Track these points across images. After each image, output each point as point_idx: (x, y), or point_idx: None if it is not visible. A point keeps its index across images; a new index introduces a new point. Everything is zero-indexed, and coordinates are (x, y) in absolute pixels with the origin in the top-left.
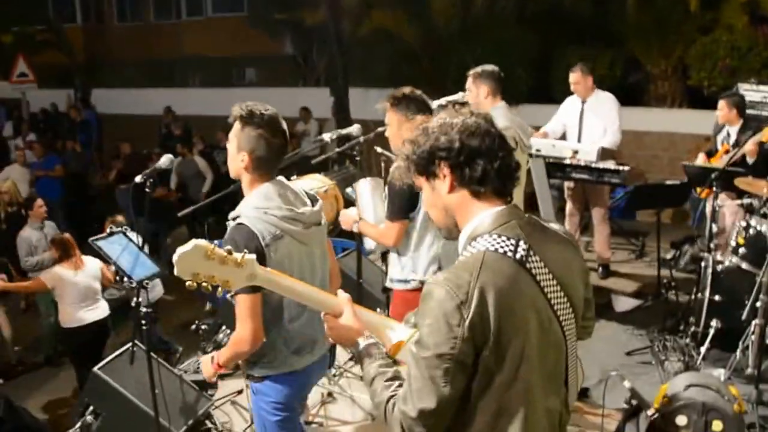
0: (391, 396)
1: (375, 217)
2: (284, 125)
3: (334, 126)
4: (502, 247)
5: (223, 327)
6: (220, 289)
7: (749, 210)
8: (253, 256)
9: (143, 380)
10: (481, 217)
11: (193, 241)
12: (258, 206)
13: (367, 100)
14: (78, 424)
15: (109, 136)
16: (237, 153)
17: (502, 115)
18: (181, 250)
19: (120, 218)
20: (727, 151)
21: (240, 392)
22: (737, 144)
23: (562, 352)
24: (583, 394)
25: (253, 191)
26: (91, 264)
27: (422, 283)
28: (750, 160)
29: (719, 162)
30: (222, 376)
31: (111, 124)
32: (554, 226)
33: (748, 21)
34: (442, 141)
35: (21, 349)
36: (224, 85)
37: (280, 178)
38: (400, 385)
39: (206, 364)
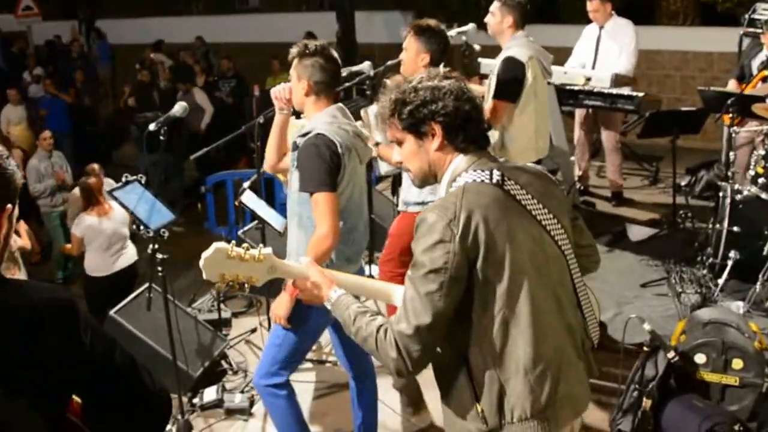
0: (380, 325)
1: (386, 142)
2: (335, 53)
3: (340, 51)
4: (479, 177)
5: None
6: (246, 286)
7: None
8: (270, 250)
9: (159, 323)
10: (456, 161)
11: (214, 245)
12: (329, 121)
13: (372, 23)
14: None
15: (116, 65)
16: (298, 83)
17: (523, 44)
18: (204, 255)
19: (95, 166)
20: (765, 78)
21: (254, 330)
22: None
23: (563, 266)
24: (600, 326)
25: (319, 114)
26: (118, 209)
27: None
28: None
29: (755, 90)
30: (236, 314)
31: (118, 54)
32: (529, 165)
33: None
34: (438, 105)
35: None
36: (227, 12)
37: (341, 104)
38: (385, 319)
39: (282, 301)
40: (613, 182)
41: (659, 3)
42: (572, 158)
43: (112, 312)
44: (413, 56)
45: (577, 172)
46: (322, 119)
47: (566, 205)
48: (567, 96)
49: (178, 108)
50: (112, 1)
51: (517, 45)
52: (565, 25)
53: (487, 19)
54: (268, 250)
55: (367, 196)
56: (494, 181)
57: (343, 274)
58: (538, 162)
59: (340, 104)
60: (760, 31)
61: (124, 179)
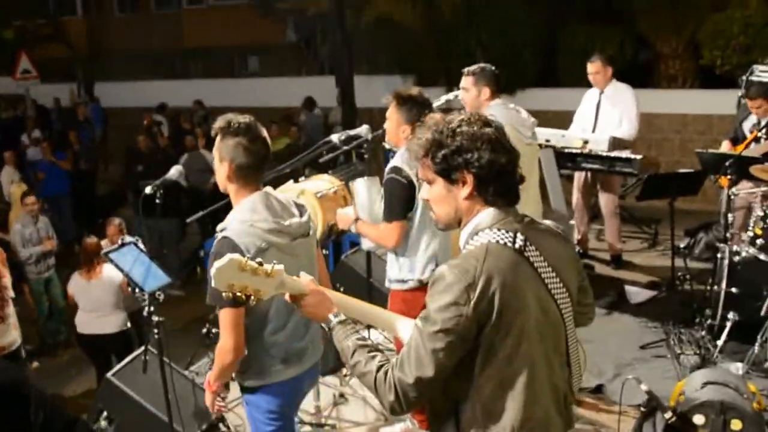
0: (381, 365)
1: (371, 217)
2: (263, 132)
3: (339, 114)
4: (502, 238)
5: None
6: (252, 298)
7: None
8: (282, 267)
9: (156, 385)
10: (483, 215)
11: (228, 255)
12: (244, 219)
13: (371, 87)
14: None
15: (113, 129)
16: (220, 164)
17: (497, 113)
18: (218, 264)
19: (118, 220)
20: (756, 139)
21: None
22: None
23: (561, 332)
24: (598, 390)
25: (240, 203)
26: (111, 275)
27: (420, 282)
28: None
29: (747, 152)
30: (233, 378)
31: (114, 117)
32: (546, 222)
33: None
34: (474, 156)
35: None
36: (227, 76)
37: (267, 188)
38: (385, 357)
39: (207, 396)
40: (612, 246)
41: (658, 66)
42: (571, 222)
43: (108, 375)
44: (395, 127)
45: (576, 236)
46: (238, 216)
47: (577, 267)
48: (565, 159)
49: (174, 171)
50: (110, 64)
51: (490, 114)
52: (565, 89)
53: (462, 95)
54: (281, 266)
55: (367, 260)
56: (517, 246)
57: (348, 297)
58: None
59: (266, 192)
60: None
61: (120, 241)
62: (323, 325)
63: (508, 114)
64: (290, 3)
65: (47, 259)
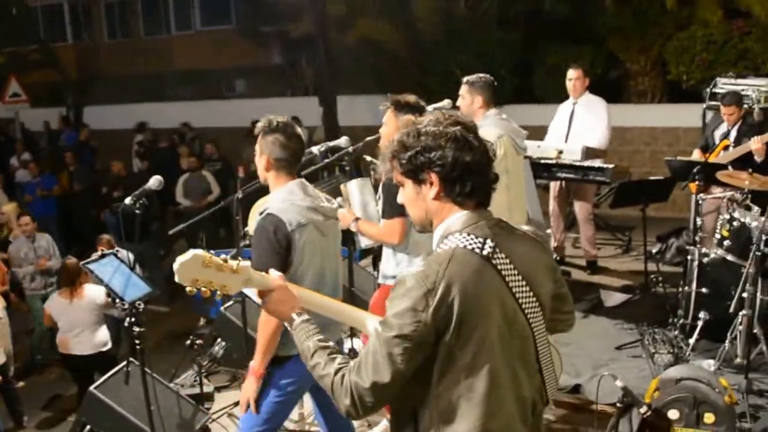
0: (340, 368)
1: (365, 216)
2: (299, 130)
3: (323, 134)
4: (470, 243)
5: (218, 339)
6: (219, 293)
7: (734, 202)
8: (248, 263)
9: (140, 397)
10: (454, 218)
11: (192, 251)
12: (284, 199)
13: (355, 107)
14: None
15: (104, 151)
16: (260, 157)
17: (494, 123)
18: (180, 259)
19: (107, 237)
20: (726, 147)
21: (237, 404)
22: (739, 141)
23: (528, 343)
24: (576, 390)
25: (279, 188)
26: (92, 295)
27: None
28: (758, 158)
29: (718, 159)
30: (218, 389)
31: (106, 140)
32: (524, 227)
33: (722, 15)
34: (437, 154)
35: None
36: (214, 98)
37: (302, 179)
38: (344, 359)
39: (249, 385)
40: (588, 252)
41: (628, 83)
42: (548, 230)
43: (92, 388)
44: (393, 131)
45: (553, 244)
46: (278, 196)
47: (554, 275)
48: (541, 169)
49: (154, 181)
50: (100, 89)
51: (488, 124)
52: (541, 105)
53: (459, 102)
54: (247, 263)
55: (349, 268)
56: (485, 252)
57: (317, 295)
58: None
59: (301, 180)
60: (718, 104)
61: (100, 252)
62: (286, 324)
63: (504, 124)
64: (274, 26)
65: (45, 277)
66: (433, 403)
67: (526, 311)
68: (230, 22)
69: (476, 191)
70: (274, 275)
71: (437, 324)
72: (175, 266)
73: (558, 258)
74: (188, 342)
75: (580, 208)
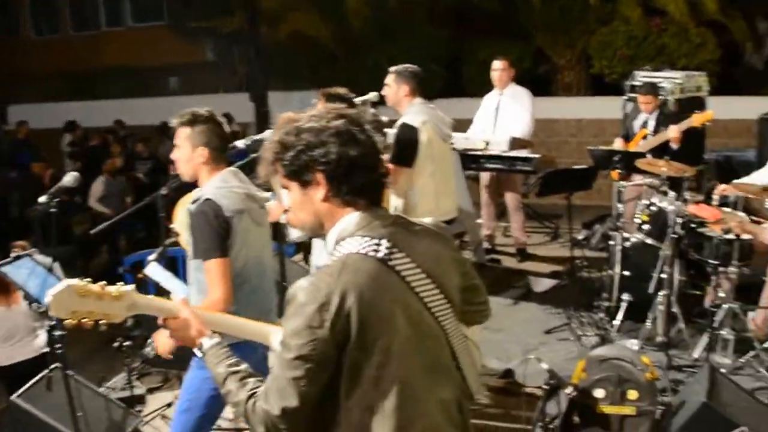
0: (251, 395)
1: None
2: (221, 118)
3: (255, 130)
4: (364, 248)
5: (149, 340)
6: (102, 321)
7: (652, 188)
8: (131, 287)
9: (65, 403)
10: (346, 221)
11: (65, 281)
12: (220, 186)
13: (288, 102)
14: None
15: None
16: (193, 151)
17: (419, 111)
18: (52, 291)
19: (22, 243)
20: (644, 136)
21: (170, 405)
22: (657, 130)
23: (440, 342)
24: (507, 374)
25: (212, 178)
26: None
27: None
28: (674, 146)
29: (638, 147)
30: (150, 390)
31: (33, 140)
32: (425, 220)
33: (642, 12)
34: (320, 152)
35: None
36: (147, 95)
37: (234, 168)
38: (256, 384)
39: (162, 338)
40: (518, 240)
41: (555, 77)
42: (479, 220)
43: (13, 397)
44: None
45: (485, 232)
46: (213, 183)
47: (461, 267)
48: (469, 161)
49: (69, 178)
50: (27, 86)
51: (413, 112)
52: (471, 99)
53: (385, 91)
54: (129, 287)
55: (280, 262)
56: (380, 255)
57: (220, 314)
58: (449, 222)
59: (233, 168)
60: (637, 96)
61: (13, 254)
62: (195, 350)
63: (429, 111)
64: (204, 22)
65: None
66: (344, 421)
67: (433, 310)
68: (162, 19)
69: (366, 189)
70: (177, 299)
71: (336, 338)
72: (47, 299)
73: (489, 246)
74: (116, 344)
75: (510, 198)
